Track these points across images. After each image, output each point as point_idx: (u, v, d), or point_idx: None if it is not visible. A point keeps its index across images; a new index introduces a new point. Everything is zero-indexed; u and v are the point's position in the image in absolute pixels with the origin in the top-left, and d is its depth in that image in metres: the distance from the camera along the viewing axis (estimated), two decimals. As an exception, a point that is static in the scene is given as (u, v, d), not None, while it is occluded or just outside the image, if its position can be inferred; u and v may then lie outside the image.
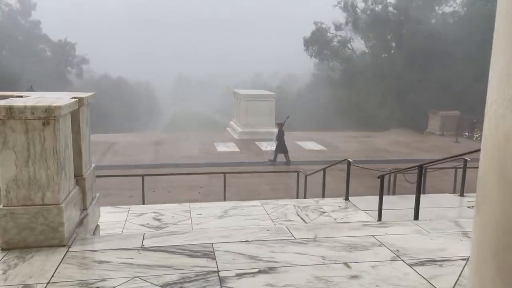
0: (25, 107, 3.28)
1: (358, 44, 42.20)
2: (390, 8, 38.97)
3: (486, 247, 1.09)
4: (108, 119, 40.72)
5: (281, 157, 17.13)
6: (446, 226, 4.27)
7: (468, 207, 7.51)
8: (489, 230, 1.07)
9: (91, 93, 4.39)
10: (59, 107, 3.32)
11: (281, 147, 17.11)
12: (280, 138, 17.21)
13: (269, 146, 19.38)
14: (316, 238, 3.80)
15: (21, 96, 3.97)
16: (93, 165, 4.63)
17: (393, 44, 38.78)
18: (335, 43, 42.10)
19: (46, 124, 3.33)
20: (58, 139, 3.39)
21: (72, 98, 3.84)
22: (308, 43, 41.47)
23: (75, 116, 3.99)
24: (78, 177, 4.14)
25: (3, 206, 3.40)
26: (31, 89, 20.21)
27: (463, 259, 3.39)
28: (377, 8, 39.72)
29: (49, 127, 3.34)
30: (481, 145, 1.16)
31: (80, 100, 3.96)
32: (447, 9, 36.99)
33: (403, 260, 3.37)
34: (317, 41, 41.46)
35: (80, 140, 4.13)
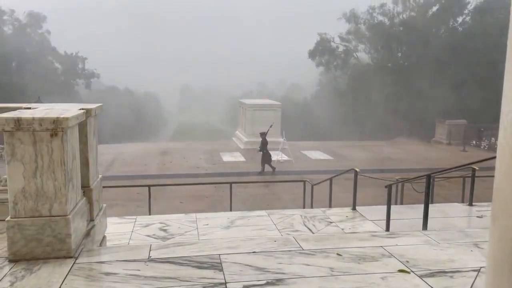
0: (33, 119, 3.29)
1: (364, 54, 42.34)
2: (396, 19, 39.12)
3: (503, 259, 1.06)
4: (114, 129, 40.96)
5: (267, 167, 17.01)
6: (456, 236, 4.21)
7: (477, 216, 7.42)
8: (506, 242, 1.05)
9: (98, 104, 4.41)
10: (66, 119, 3.33)
11: (266, 157, 17.02)
12: (263, 147, 17.12)
13: (275, 156, 19.38)
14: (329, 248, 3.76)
15: (29, 108, 4.00)
16: (100, 175, 4.63)
17: (399, 54, 38.84)
18: (340, 53, 42.27)
19: (54, 136, 3.34)
20: (65, 151, 3.40)
21: (79, 109, 3.86)
22: (313, 53, 41.68)
23: (82, 127, 4.00)
24: (85, 188, 4.14)
25: (11, 217, 3.40)
26: (39, 100, 20.40)
27: (474, 270, 3.33)
28: (382, 19, 39.89)
29: (56, 139, 3.35)
30: (496, 154, 1.14)
31: (87, 112, 3.97)
32: (453, 18, 37.01)
33: (413, 271, 3.32)
34: (323, 51, 41.68)
35: (87, 151, 4.14)
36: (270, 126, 18.54)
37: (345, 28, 41.33)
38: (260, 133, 17.87)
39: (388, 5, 39.54)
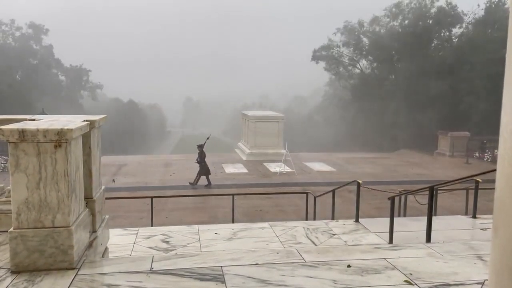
0: (38, 130, 3.31)
1: (366, 66, 42.59)
2: (395, 30, 39.37)
3: (504, 270, 1.06)
4: (118, 141, 41.07)
5: (203, 180, 16.55)
6: (460, 248, 4.18)
7: (481, 229, 7.37)
8: (508, 252, 1.05)
9: (102, 116, 4.43)
10: (71, 130, 3.36)
11: (203, 169, 16.63)
12: (201, 160, 16.78)
13: (277, 167, 19.37)
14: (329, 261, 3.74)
15: (34, 120, 4.03)
16: (103, 187, 4.64)
17: (399, 66, 39.00)
18: (343, 65, 42.55)
19: (58, 147, 3.36)
20: (69, 162, 3.41)
21: (83, 121, 3.88)
22: (317, 57, 41.99)
23: (86, 138, 4.02)
24: (88, 200, 4.15)
25: (14, 228, 3.41)
26: (43, 112, 20.55)
27: (478, 283, 3.30)
28: (381, 30, 40.17)
29: (60, 150, 3.37)
30: (496, 165, 1.15)
31: (91, 123, 3.99)
32: (455, 30, 37.24)
33: (416, 284, 3.30)
34: (326, 60, 41.99)
35: (90, 163, 4.16)
36: (207, 138, 18.26)
37: (346, 40, 41.65)
38: (197, 146, 17.47)
39: (386, 18, 39.91)
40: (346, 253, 4.02)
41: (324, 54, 41.70)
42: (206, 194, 13.34)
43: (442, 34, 37.22)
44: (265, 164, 21.14)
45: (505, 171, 1.07)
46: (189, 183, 16.53)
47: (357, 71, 42.68)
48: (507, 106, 1.09)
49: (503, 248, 1.06)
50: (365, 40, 40.62)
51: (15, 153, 3.32)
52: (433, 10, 37.41)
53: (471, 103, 30.33)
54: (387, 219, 7.15)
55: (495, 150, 22.61)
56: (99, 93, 51.17)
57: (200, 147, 17.22)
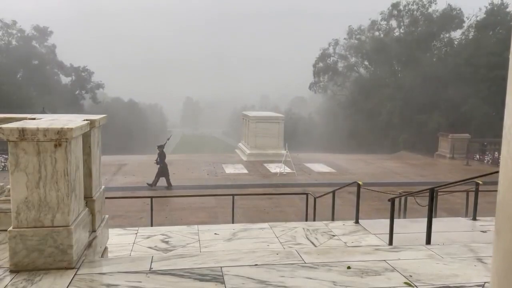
0: (38, 129, 3.31)
1: (365, 68, 42.63)
2: (396, 33, 39.37)
3: (508, 274, 1.05)
4: (118, 140, 41.07)
5: (162, 182, 16.16)
6: (460, 251, 4.17)
7: (481, 231, 7.36)
8: (510, 255, 1.04)
9: (102, 116, 4.43)
10: (71, 129, 3.35)
11: (163, 171, 16.32)
12: (161, 161, 16.45)
13: (278, 168, 19.36)
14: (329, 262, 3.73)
15: (34, 119, 4.02)
16: (102, 186, 4.64)
17: (400, 68, 38.99)
18: (342, 68, 42.57)
19: (58, 146, 3.35)
20: (69, 161, 3.41)
21: (84, 120, 3.88)
22: (316, 72, 42.05)
23: (86, 138, 4.02)
24: (88, 199, 4.14)
25: (13, 227, 3.40)
26: (43, 111, 20.55)
27: (478, 285, 3.29)
28: (381, 35, 40.18)
29: (60, 149, 3.36)
30: (499, 168, 1.14)
31: (91, 123, 3.99)
32: (454, 34, 37.22)
33: (416, 286, 3.29)
34: (324, 66, 42.05)
35: (90, 162, 4.15)
36: (168, 139, 17.92)
37: (346, 42, 41.73)
38: (157, 146, 17.06)
39: (385, 21, 39.95)
40: (346, 255, 4.01)
41: (322, 66, 41.81)
42: (207, 194, 13.32)
43: (443, 37, 37.18)
44: (265, 164, 21.13)
45: (509, 173, 1.06)
46: (147, 184, 16.07)
47: (357, 74, 42.71)
48: (510, 108, 1.08)
49: (506, 251, 1.06)
50: (366, 43, 40.64)
51: (15, 152, 3.31)
52: (435, 13, 37.39)
53: (473, 106, 30.29)
54: (387, 221, 7.15)
55: (496, 153, 22.60)
56: (99, 93, 51.13)
57: (160, 147, 16.81)
